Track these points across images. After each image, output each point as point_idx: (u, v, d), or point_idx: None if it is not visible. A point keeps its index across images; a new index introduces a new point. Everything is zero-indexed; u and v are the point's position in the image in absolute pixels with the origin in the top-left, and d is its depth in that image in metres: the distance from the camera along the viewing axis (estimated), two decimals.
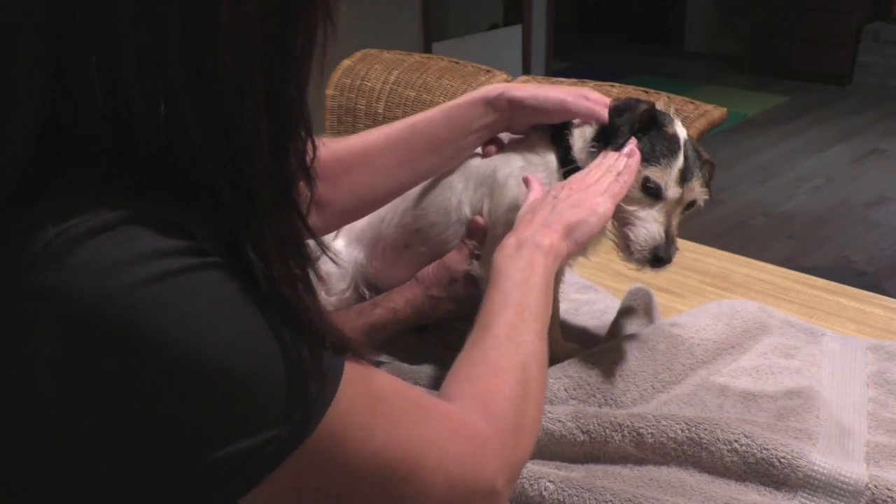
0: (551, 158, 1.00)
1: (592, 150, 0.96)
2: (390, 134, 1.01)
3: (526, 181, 0.96)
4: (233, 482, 0.49)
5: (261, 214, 0.52)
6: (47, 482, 0.51)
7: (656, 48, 7.22)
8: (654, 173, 0.93)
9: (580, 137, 0.98)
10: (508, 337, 0.74)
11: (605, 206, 0.87)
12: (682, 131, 0.96)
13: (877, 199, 4.14)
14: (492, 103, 0.99)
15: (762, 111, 5.53)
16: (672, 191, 0.93)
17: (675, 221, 0.94)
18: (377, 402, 0.57)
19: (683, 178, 0.93)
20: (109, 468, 0.49)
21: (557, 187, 0.91)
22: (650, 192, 0.93)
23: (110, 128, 0.48)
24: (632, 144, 0.93)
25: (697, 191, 0.95)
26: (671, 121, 0.97)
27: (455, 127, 1.00)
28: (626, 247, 0.94)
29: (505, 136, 1.04)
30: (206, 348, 0.47)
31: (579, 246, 0.87)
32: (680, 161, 0.93)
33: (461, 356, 0.73)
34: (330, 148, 1.00)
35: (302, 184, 0.56)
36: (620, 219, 0.95)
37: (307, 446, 0.51)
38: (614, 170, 0.91)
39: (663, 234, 0.92)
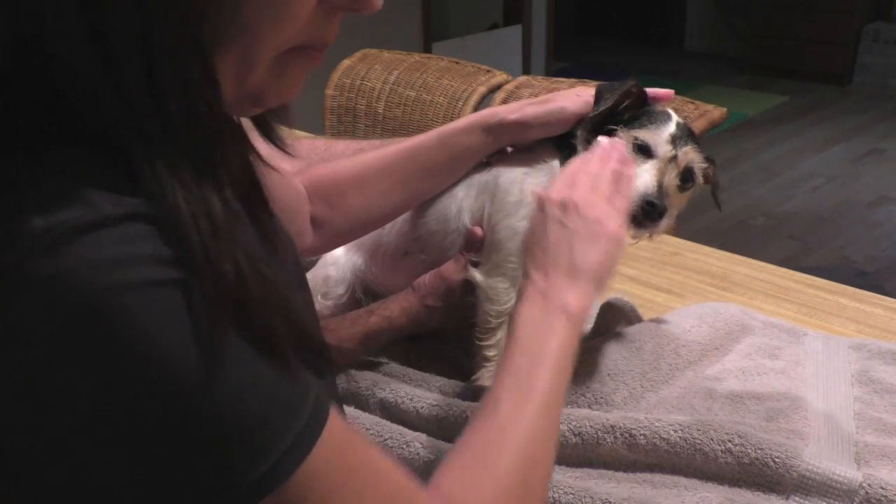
0: (555, 164, 0.99)
1: (586, 141, 0.96)
2: (386, 156, 1.01)
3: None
4: None
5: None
6: (45, 486, 0.50)
7: (656, 48, 7.21)
8: (642, 133, 0.93)
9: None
10: (514, 428, 0.66)
11: (621, 230, 0.80)
12: (674, 114, 0.97)
13: (877, 199, 4.14)
14: (490, 130, 0.99)
15: (762, 111, 5.53)
16: (663, 148, 0.93)
17: (669, 181, 0.93)
18: (351, 475, 0.53)
19: (674, 141, 0.93)
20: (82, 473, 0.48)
21: (554, 200, 0.81)
22: (641, 150, 0.93)
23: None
24: (620, 146, 0.89)
25: (692, 156, 0.95)
26: (662, 106, 0.98)
27: (452, 153, 1.00)
28: None
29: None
30: (179, 376, 0.46)
31: (607, 287, 0.80)
32: (671, 127, 0.94)
33: (462, 441, 0.66)
34: (326, 169, 1.01)
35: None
36: None
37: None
38: (605, 158, 0.84)
39: (655, 185, 0.92)
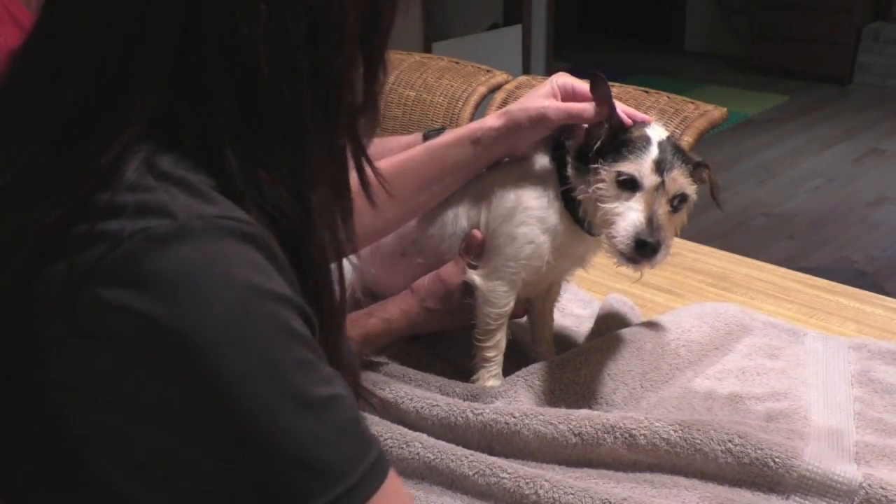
0: (550, 174, 0.99)
1: (576, 169, 0.95)
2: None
3: None
4: None
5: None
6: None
7: (656, 48, 7.21)
8: (624, 166, 0.90)
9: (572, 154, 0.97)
10: None
11: None
12: (655, 133, 0.93)
13: (877, 199, 4.14)
14: (478, 141, 0.99)
15: (762, 111, 5.53)
16: (648, 179, 0.90)
17: (660, 210, 0.90)
18: None
19: (659, 167, 0.90)
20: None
21: None
22: (626, 184, 0.90)
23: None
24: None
25: (681, 181, 0.92)
26: (639, 127, 0.94)
27: (442, 167, 1.00)
28: (611, 245, 0.91)
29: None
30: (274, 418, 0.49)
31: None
32: (653, 153, 0.91)
33: None
34: None
35: None
36: (604, 221, 0.92)
37: None
38: None
39: (643, 221, 0.89)
